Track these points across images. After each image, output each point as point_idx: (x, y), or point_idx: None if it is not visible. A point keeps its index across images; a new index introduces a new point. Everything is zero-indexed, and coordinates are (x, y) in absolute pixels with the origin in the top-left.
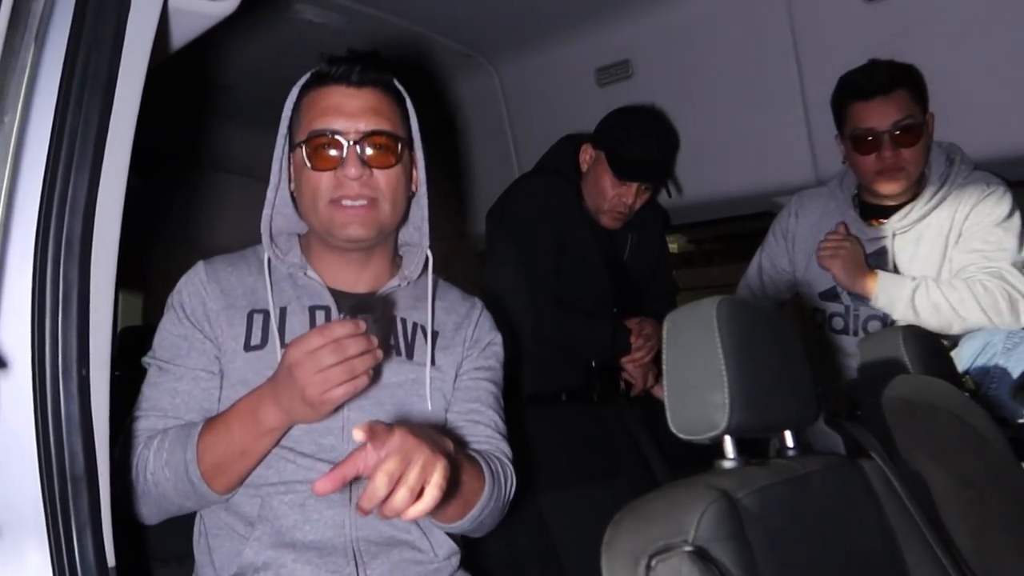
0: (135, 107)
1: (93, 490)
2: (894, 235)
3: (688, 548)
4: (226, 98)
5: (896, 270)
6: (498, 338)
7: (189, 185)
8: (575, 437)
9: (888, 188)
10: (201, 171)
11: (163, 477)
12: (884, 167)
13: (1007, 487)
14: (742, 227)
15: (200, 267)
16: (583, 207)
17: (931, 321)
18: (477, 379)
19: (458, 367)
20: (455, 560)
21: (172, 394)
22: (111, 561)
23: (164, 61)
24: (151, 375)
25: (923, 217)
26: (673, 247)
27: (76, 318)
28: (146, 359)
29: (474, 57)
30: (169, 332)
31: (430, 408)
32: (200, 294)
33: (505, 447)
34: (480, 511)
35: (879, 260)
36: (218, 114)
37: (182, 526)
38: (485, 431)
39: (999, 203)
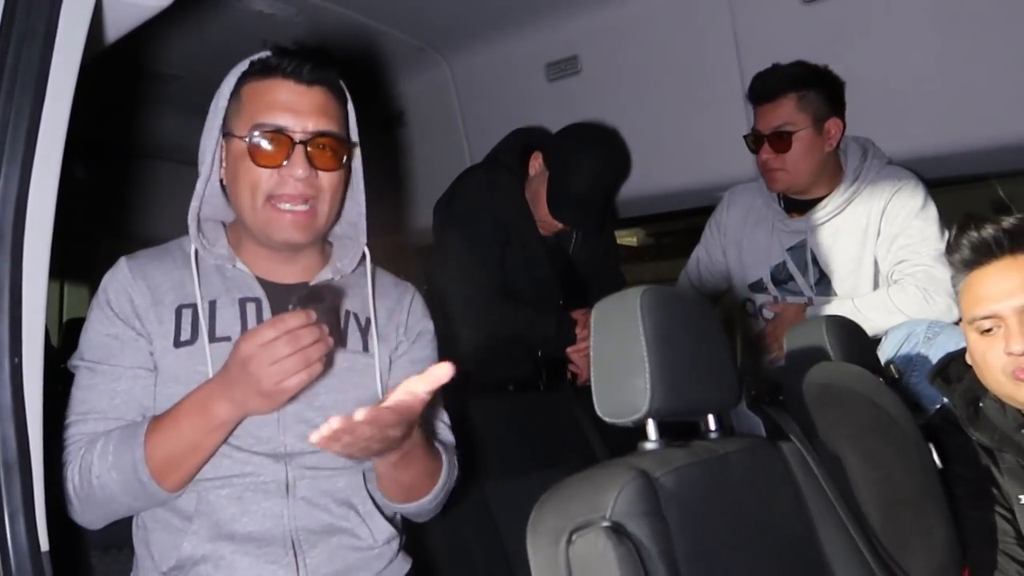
0: (69, 99)
1: (26, 477)
2: (813, 228)
3: (606, 524)
4: (178, 87)
5: (815, 262)
6: (430, 325)
7: (139, 176)
8: (521, 426)
9: (770, 185)
10: (151, 162)
11: (110, 479)
12: (764, 167)
13: (912, 467)
14: (701, 222)
15: (123, 263)
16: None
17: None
18: (415, 372)
19: (392, 353)
20: (395, 544)
21: (110, 395)
22: (44, 546)
23: (112, 50)
24: (81, 378)
25: (840, 210)
26: (632, 240)
27: (8, 305)
28: (72, 362)
29: (426, 50)
30: (98, 332)
31: (379, 395)
32: (126, 291)
33: (449, 436)
34: (436, 495)
35: (798, 253)
36: (170, 104)
37: None
38: (429, 423)
39: (913, 194)
